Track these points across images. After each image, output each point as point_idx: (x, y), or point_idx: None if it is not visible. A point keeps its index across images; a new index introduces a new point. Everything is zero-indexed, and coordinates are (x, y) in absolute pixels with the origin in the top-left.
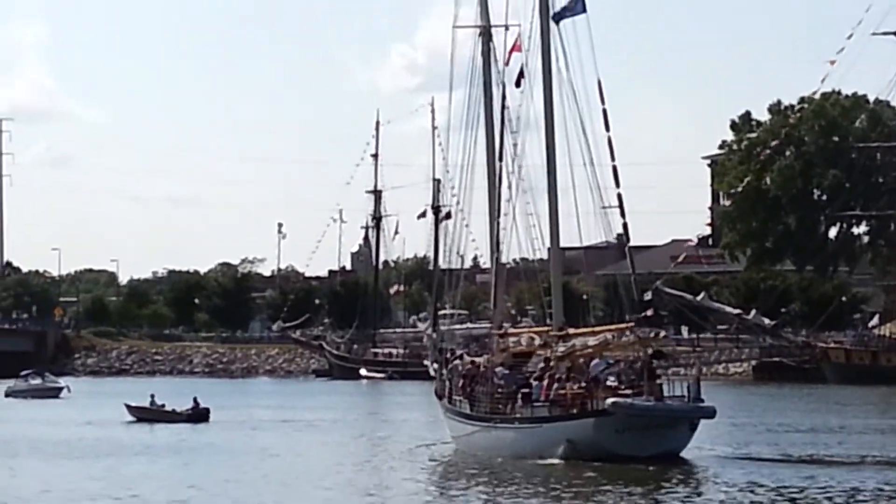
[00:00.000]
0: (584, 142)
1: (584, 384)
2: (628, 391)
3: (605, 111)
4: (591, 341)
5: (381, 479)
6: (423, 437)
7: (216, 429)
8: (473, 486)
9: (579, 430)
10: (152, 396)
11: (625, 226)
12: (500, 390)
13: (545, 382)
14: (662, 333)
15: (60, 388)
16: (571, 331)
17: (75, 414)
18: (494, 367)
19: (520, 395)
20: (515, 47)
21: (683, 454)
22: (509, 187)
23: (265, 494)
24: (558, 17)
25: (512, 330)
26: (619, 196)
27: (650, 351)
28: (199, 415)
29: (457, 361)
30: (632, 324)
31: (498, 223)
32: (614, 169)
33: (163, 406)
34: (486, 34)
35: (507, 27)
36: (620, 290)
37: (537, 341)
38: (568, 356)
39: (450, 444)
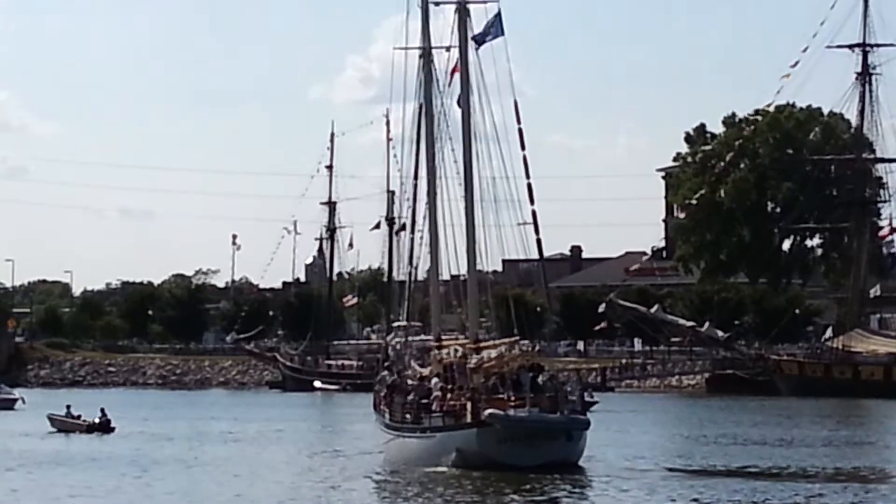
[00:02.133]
0: (501, 161)
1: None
2: (513, 403)
3: (520, 130)
4: (493, 353)
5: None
6: (359, 447)
7: (119, 440)
8: (370, 493)
9: (465, 440)
10: (68, 407)
11: (538, 242)
12: (408, 400)
13: (439, 394)
14: (538, 348)
15: (15, 400)
16: (482, 344)
17: (21, 425)
18: (407, 379)
19: (420, 406)
20: (456, 68)
21: (591, 465)
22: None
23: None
24: (479, 41)
25: (445, 342)
26: (534, 213)
27: (527, 364)
28: (101, 426)
29: (384, 373)
30: (517, 338)
31: (432, 235)
32: (529, 187)
33: (79, 417)
34: (426, 55)
35: (448, 48)
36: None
37: (459, 353)
38: (480, 368)
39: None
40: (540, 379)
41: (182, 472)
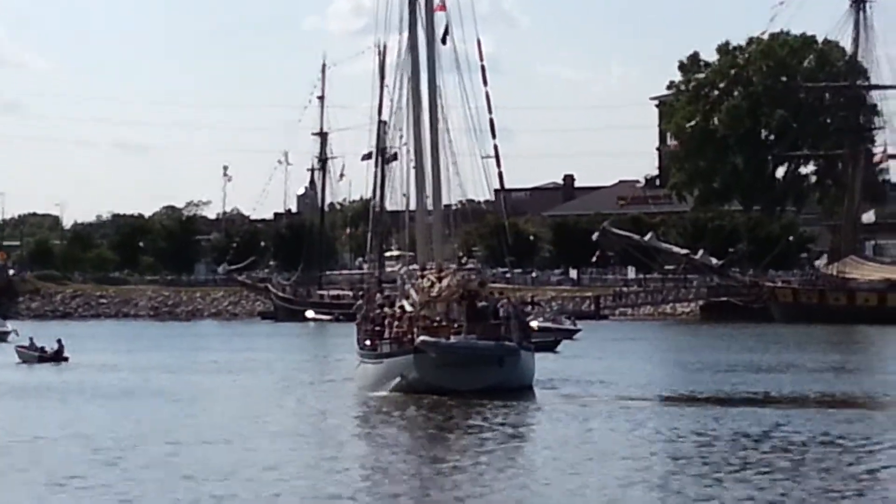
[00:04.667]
0: (466, 96)
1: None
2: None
3: (483, 67)
4: (445, 283)
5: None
6: (331, 375)
7: (73, 370)
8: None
9: (406, 366)
10: (30, 339)
11: (500, 175)
12: (367, 328)
13: (388, 321)
14: (474, 276)
15: (8, 332)
16: (442, 273)
17: (10, 357)
18: (373, 307)
19: (374, 333)
20: (440, 6)
21: (572, 391)
22: (447, 130)
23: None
24: None
25: (425, 272)
26: (496, 147)
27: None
28: (54, 355)
29: (359, 301)
30: (456, 266)
31: (417, 165)
32: (491, 121)
33: (42, 348)
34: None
35: None
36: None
37: (428, 283)
38: (440, 297)
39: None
40: (501, 307)
41: (139, 401)
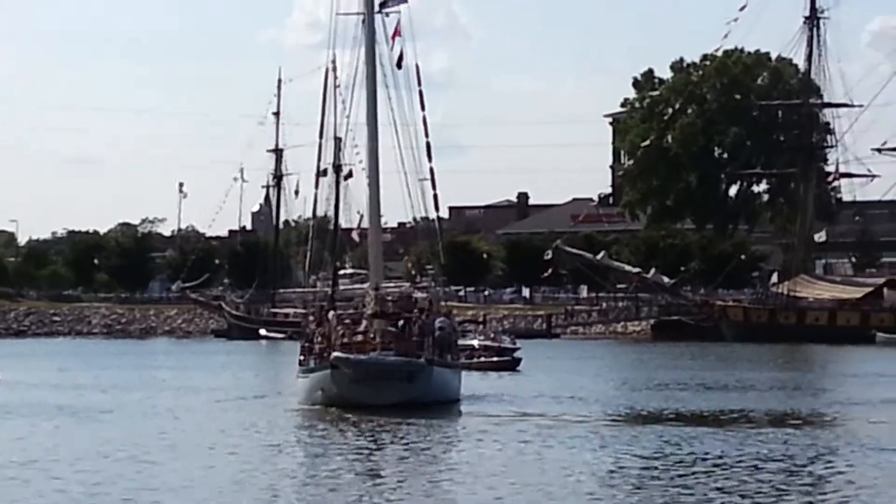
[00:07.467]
0: (402, 119)
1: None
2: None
3: (420, 92)
4: (371, 301)
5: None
6: (276, 390)
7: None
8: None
9: (325, 380)
10: None
11: (435, 197)
12: (303, 343)
13: (316, 337)
14: (398, 293)
15: None
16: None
17: None
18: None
19: (305, 349)
20: (396, 32)
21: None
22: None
23: None
24: (382, 8)
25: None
26: (431, 170)
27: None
28: None
29: (309, 318)
30: (381, 283)
31: (371, 183)
32: (427, 145)
33: None
34: (367, 18)
35: (387, 14)
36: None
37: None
38: (375, 314)
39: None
40: (416, 324)
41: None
